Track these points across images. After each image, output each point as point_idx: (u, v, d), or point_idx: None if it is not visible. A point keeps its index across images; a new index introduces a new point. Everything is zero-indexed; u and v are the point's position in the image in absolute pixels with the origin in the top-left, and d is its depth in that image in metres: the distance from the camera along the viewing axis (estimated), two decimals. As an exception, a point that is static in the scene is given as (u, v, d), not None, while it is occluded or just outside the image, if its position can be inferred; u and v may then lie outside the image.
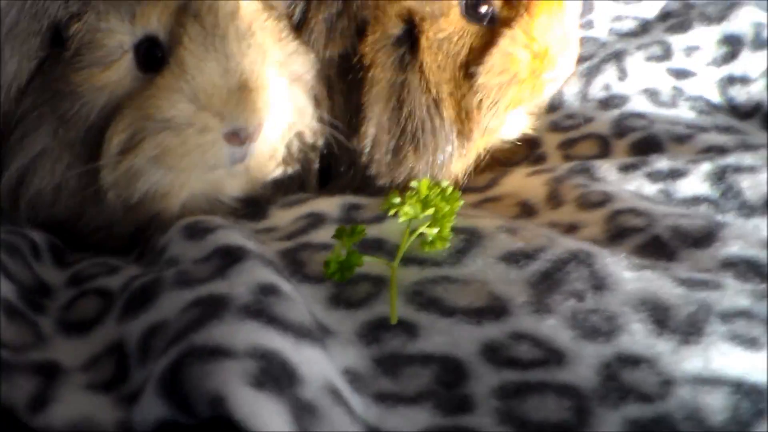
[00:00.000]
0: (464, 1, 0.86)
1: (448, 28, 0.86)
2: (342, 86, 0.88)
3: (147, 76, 0.72)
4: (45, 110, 0.74)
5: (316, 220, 0.77)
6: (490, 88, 0.85)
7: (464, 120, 0.87)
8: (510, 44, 0.84)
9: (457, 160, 0.89)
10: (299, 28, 0.85)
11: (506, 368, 0.60)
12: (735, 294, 0.66)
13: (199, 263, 0.65)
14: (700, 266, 0.72)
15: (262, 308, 0.59)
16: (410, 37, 0.86)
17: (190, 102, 0.69)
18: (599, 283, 0.66)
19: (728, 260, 0.72)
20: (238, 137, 0.71)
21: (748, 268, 0.71)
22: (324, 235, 0.74)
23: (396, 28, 0.85)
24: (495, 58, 0.85)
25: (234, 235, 0.68)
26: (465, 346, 0.62)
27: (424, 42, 0.85)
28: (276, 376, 0.52)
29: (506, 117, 0.90)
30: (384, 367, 0.62)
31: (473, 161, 0.93)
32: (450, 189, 0.73)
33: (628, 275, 0.67)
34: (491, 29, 0.86)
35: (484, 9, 0.86)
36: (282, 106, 0.75)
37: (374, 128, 0.86)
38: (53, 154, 0.74)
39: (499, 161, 0.99)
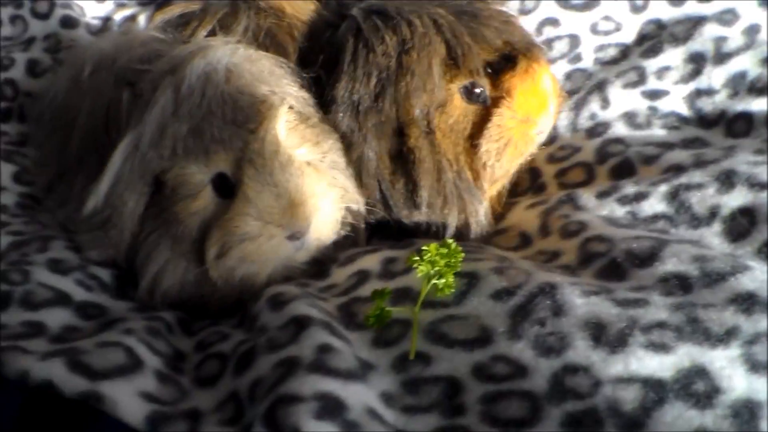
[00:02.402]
0: (463, 88, 1.11)
1: (454, 114, 1.11)
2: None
3: (224, 201, 0.98)
4: (161, 232, 1.01)
5: (363, 277, 1.01)
6: (491, 152, 1.11)
7: (477, 177, 1.13)
8: (499, 119, 1.11)
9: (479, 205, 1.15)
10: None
11: (487, 382, 0.80)
12: (656, 309, 0.83)
13: (280, 330, 0.89)
14: (642, 283, 0.89)
15: (321, 364, 0.81)
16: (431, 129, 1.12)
17: (257, 220, 0.96)
18: (557, 311, 0.84)
19: (663, 277, 0.89)
20: (296, 236, 0.99)
21: (676, 283, 0.88)
22: (369, 288, 0.96)
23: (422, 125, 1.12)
24: (491, 130, 1.11)
25: (302, 307, 0.92)
26: (461, 369, 0.82)
27: (438, 131, 1.11)
28: (331, 409, 0.77)
29: (509, 168, 1.16)
30: (408, 388, 0.83)
31: (489, 203, 1.17)
32: (453, 246, 0.94)
33: (579, 301, 0.85)
34: (486, 108, 1.11)
35: (478, 90, 1.11)
36: (326, 199, 1.02)
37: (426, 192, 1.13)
38: (174, 262, 1.02)
39: (509, 191, 1.22)
